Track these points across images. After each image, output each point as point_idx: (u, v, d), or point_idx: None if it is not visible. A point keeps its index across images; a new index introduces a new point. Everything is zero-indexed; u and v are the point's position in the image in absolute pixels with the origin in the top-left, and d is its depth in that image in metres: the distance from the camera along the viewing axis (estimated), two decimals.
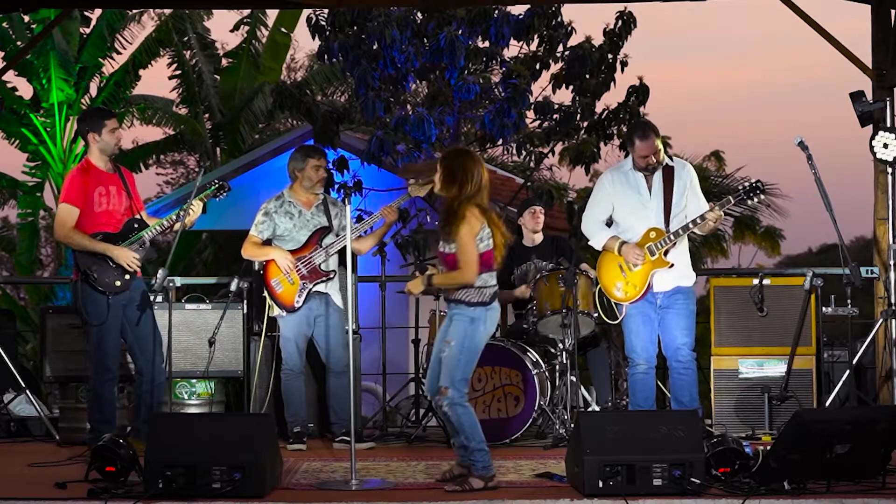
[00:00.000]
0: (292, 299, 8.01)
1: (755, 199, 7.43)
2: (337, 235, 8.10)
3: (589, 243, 7.69)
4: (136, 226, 7.61)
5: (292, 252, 8.04)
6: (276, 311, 8.07)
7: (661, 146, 7.43)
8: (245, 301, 8.50)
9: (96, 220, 7.54)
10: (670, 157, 7.58)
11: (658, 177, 7.48)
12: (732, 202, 7.50)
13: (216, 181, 7.91)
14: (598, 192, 7.66)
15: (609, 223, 7.61)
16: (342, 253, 8.11)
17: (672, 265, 7.41)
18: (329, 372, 8.09)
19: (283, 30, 20.28)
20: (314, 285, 8.02)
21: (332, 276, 8.07)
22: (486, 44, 13.18)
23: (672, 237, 7.40)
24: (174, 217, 7.60)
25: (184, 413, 8.29)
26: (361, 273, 9.32)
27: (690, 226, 7.37)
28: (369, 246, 8.36)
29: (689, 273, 7.55)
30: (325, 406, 8.28)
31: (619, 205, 7.54)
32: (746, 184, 7.43)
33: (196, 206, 7.63)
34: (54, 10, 15.84)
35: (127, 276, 7.51)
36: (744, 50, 69.47)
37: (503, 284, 8.95)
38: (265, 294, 8.09)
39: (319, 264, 8.04)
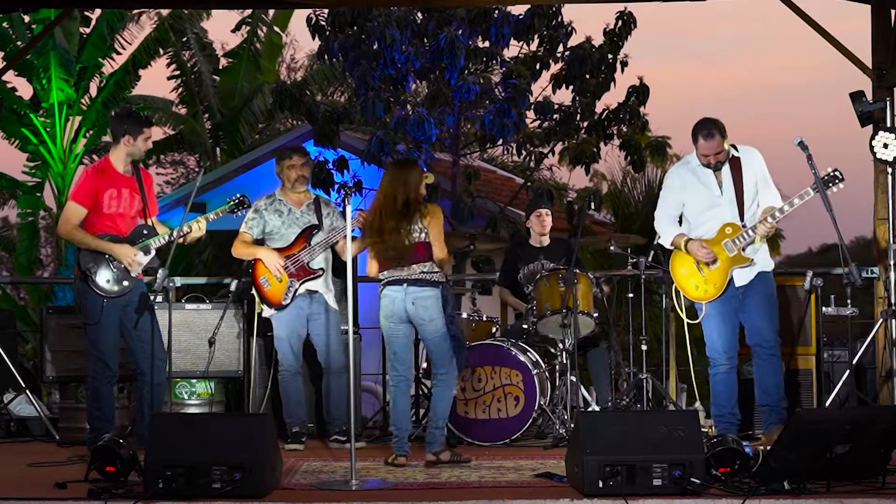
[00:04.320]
0: (280, 297, 7.99)
1: (835, 188, 7.06)
2: (327, 234, 8.08)
3: (659, 241, 7.59)
4: (145, 232, 7.59)
5: (280, 250, 8.02)
6: (267, 311, 8.07)
7: (725, 145, 7.24)
8: (244, 301, 8.51)
9: (105, 221, 7.51)
10: (734, 147, 7.37)
11: (726, 170, 7.30)
12: (812, 194, 7.10)
13: (237, 197, 7.84)
14: (666, 190, 7.51)
15: (681, 220, 7.46)
16: (334, 254, 8.13)
17: (752, 261, 7.27)
18: (326, 371, 8.09)
19: (275, 29, 20.31)
20: (301, 283, 8.01)
21: (319, 273, 8.05)
22: (486, 44, 13.19)
23: (752, 232, 7.22)
24: (184, 230, 7.56)
25: (184, 413, 8.30)
26: (362, 273, 9.31)
27: (770, 220, 7.15)
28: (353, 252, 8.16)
29: (766, 260, 7.39)
30: (323, 406, 8.28)
31: (689, 202, 7.39)
32: (829, 170, 7.06)
33: (201, 225, 7.60)
34: (54, 10, 15.83)
35: (126, 283, 7.48)
36: (744, 50, 69.42)
37: (510, 285, 9.01)
38: (254, 292, 8.10)
39: (307, 262, 8.03)
